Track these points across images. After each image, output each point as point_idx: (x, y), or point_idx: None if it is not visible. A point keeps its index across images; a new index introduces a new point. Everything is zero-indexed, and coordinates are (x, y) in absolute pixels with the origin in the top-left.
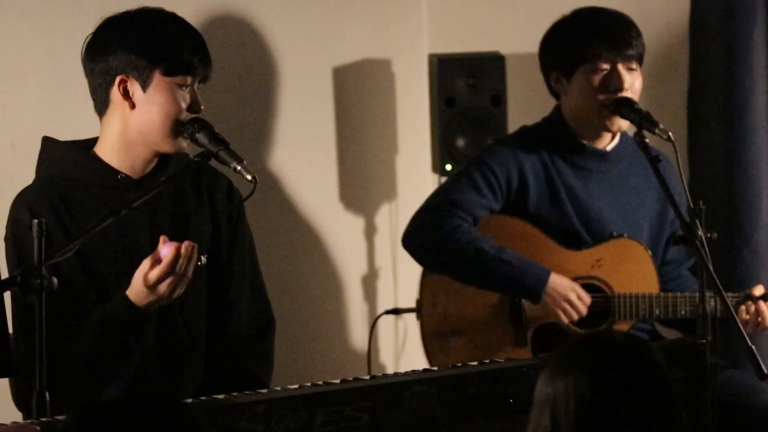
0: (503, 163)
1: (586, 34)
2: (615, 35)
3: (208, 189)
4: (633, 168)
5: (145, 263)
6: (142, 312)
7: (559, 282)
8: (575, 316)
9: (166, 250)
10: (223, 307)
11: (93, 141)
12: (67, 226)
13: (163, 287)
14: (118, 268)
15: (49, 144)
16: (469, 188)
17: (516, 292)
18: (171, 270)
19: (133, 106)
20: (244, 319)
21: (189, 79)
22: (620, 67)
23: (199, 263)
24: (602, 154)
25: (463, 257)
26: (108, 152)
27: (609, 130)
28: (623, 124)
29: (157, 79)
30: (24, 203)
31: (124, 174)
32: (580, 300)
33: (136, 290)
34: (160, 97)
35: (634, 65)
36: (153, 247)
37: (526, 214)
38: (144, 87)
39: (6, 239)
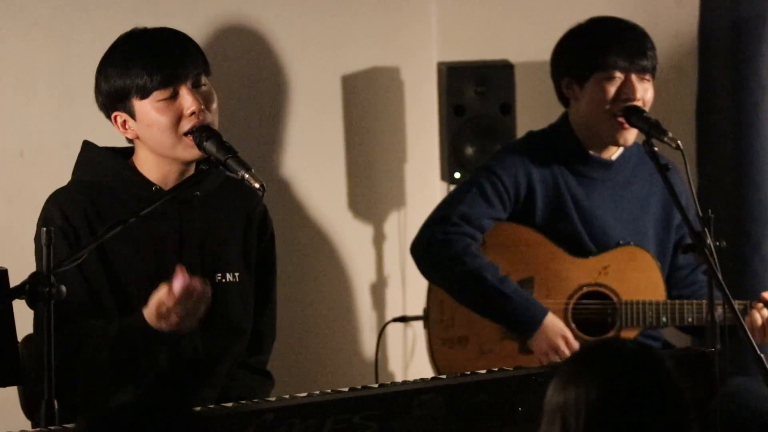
0: (512, 171)
1: (603, 42)
2: (631, 46)
3: (244, 211)
4: (636, 175)
5: (163, 290)
6: (156, 333)
7: (551, 326)
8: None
9: (178, 284)
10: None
11: (132, 149)
12: (97, 232)
13: (167, 322)
14: (144, 275)
15: (88, 149)
16: (479, 198)
17: (509, 325)
18: (178, 306)
19: (136, 136)
20: (264, 341)
21: (170, 90)
22: (634, 77)
23: (224, 280)
24: (607, 164)
25: (465, 282)
26: (143, 164)
27: (616, 144)
28: (630, 138)
29: (138, 105)
30: (56, 204)
31: (159, 186)
32: (568, 347)
33: (149, 312)
34: (149, 118)
35: (647, 77)
36: (180, 257)
37: (532, 221)
38: (132, 116)
39: (36, 239)
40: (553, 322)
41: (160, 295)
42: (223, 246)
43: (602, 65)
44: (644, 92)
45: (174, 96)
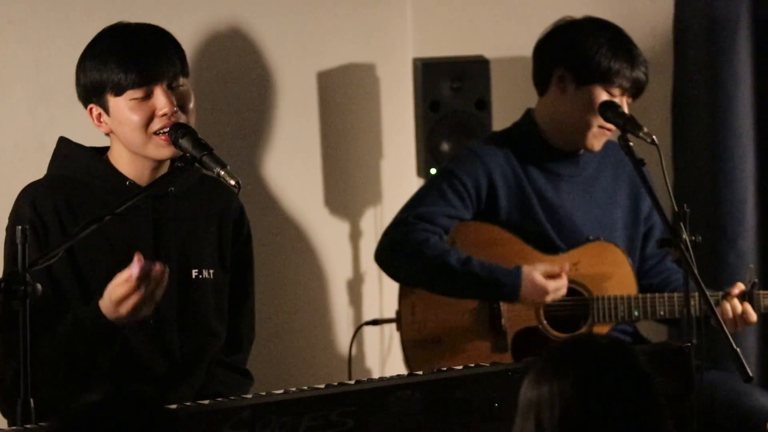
0: (472, 172)
1: (620, 60)
2: (637, 73)
3: (219, 209)
4: (602, 169)
5: (119, 276)
6: (110, 324)
7: (529, 278)
8: (559, 297)
9: (136, 268)
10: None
11: (109, 147)
12: (66, 227)
13: (125, 306)
14: (113, 273)
15: (63, 144)
16: (437, 199)
17: (491, 300)
18: (136, 290)
19: (109, 130)
20: (243, 340)
21: (144, 90)
22: (625, 98)
23: (201, 276)
24: (573, 158)
25: (430, 272)
26: (118, 159)
27: (588, 149)
28: (601, 145)
29: (112, 101)
30: (28, 197)
31: (132, 180)
32: (557, 286)
33: (105, 302)
34: (122, 115)
35: (631, 99)
36: (153, 256)
37: (498, 221)
38: (107, 111)
39: (6, 229)
40: (529, 275)
41: (118, 282)
42: (199, 242)
43: (612, 81)
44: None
45: (148, 96)
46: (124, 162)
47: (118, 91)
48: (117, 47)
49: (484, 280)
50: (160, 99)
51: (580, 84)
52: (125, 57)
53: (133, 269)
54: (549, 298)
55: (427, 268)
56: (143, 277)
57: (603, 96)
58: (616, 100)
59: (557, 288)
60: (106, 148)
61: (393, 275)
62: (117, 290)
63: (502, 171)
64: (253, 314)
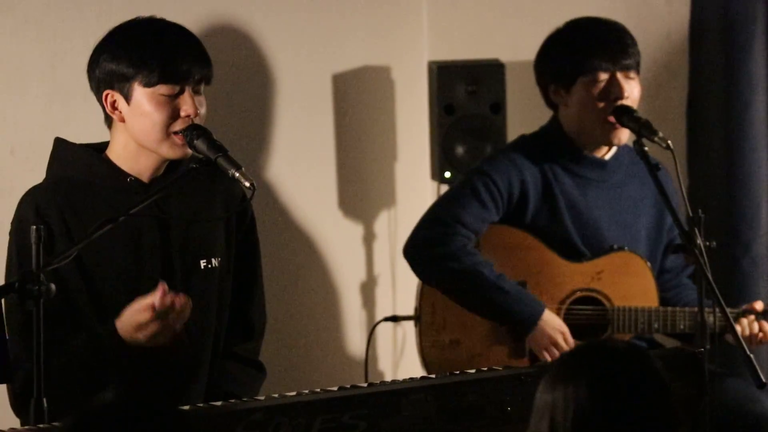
0: (505, 174)
1: (583, 45)
2: (612, 45)
3: (222, 195)
4: (630, 176)
5: (141, 303)
6: (124, 345)
7: (550, 321)
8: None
9: (159, 299)
10: (234, 314)
11: (105, 144)
12: (72, 229)
13: (144, 332)
14: (124, 269)
15: (60, 145)
16: (473, 201)
17: (509, 321)
18: (156, 319)
19: (122, 119)
20: (255, 327)
21: (176, 88)
22: (619, 76)
23: (209, 266)
24: (601, 163)
25: (462, 279)
26: (118, 156)
27: (610, 144)
28: (624, 137)
29: (138, 91)
30: (31, 202)
31: (134, 177)
32: (566, 342)
33: (123, 323)
34: (144, 108)
35: (632, 74)
36: (161, 251)
37: (523, 224)
38: (127, 100)
39: (10, 235)
40: (551, 317)
41: (139, 307)
42: (206, 231)
43: (585, 69)
44: (631, 90)
45: (177, 95)
46: (126, 158)
47: (150, 82)
48: (158, 40)
49: (512, 297)
50: (188, 100)
51: (568, 88)
52: (168, 51)
53: (156, 300)
54: (553, 349)
55: (461, 273)
56: (165, 309)
57: (591, 86)
58: (605, 81)
59: (566, 344)
60: (104, 144)
61: (421, 273)
62: (138, 316)
63: (532, 174)
64: (263, 301)
